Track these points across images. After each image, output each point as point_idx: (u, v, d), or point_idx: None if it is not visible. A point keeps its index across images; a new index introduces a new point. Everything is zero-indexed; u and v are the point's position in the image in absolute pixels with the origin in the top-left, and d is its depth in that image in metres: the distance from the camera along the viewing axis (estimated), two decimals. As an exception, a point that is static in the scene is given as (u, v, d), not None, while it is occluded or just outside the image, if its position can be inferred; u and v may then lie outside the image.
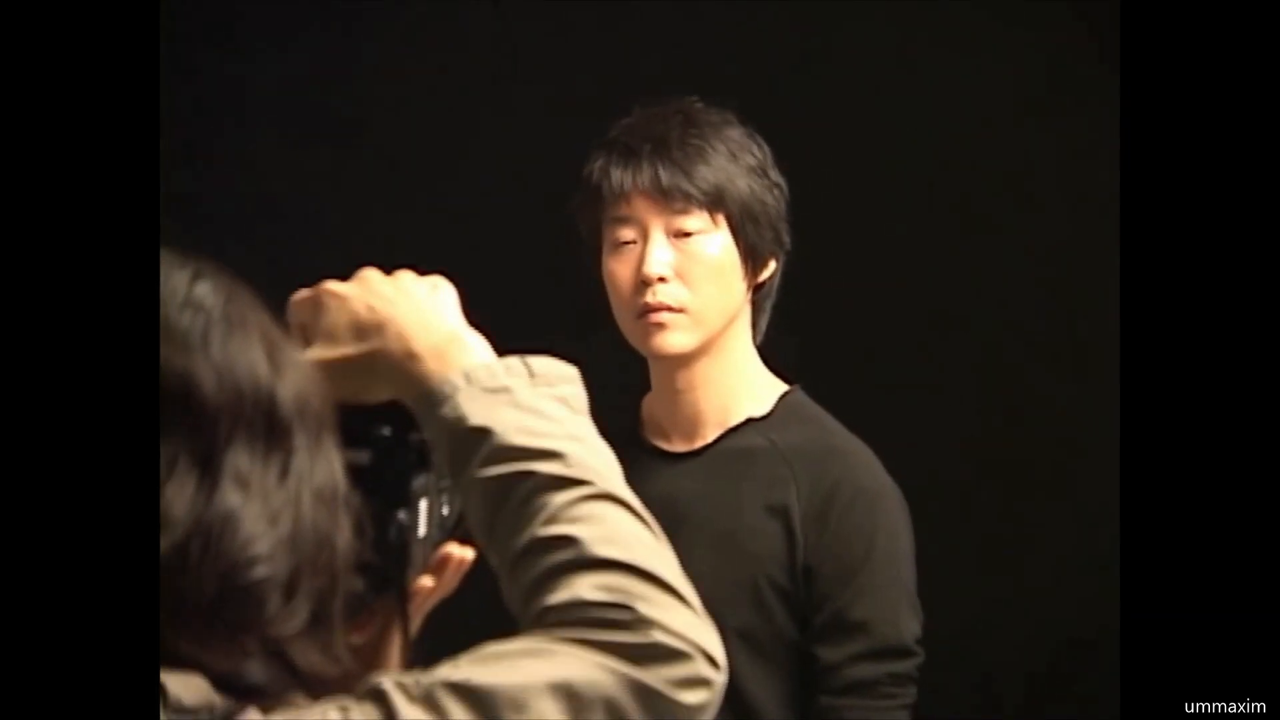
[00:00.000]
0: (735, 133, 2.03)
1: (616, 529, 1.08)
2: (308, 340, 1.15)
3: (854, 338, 3.40)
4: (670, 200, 1.95)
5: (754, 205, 2.00)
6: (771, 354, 2.19)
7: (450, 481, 1.16)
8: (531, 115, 3.53)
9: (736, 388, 2.05)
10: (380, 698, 0.98)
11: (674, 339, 1.99)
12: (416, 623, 1.19)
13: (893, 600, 2.06)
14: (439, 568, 1.22)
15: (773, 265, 2.08)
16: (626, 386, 2.15)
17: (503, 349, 1.21)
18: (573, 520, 1.08)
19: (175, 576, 0.95)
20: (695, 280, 1.97)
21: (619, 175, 1.96)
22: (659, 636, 1.03)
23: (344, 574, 1.03)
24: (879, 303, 3.49)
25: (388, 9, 3.73)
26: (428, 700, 0.98)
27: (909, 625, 2.08)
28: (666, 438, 2.10)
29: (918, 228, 3.55)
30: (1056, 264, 3.55)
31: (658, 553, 1.08)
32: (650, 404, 2.12)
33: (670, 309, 1.97)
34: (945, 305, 3.59)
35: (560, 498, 1.08)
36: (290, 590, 0.99)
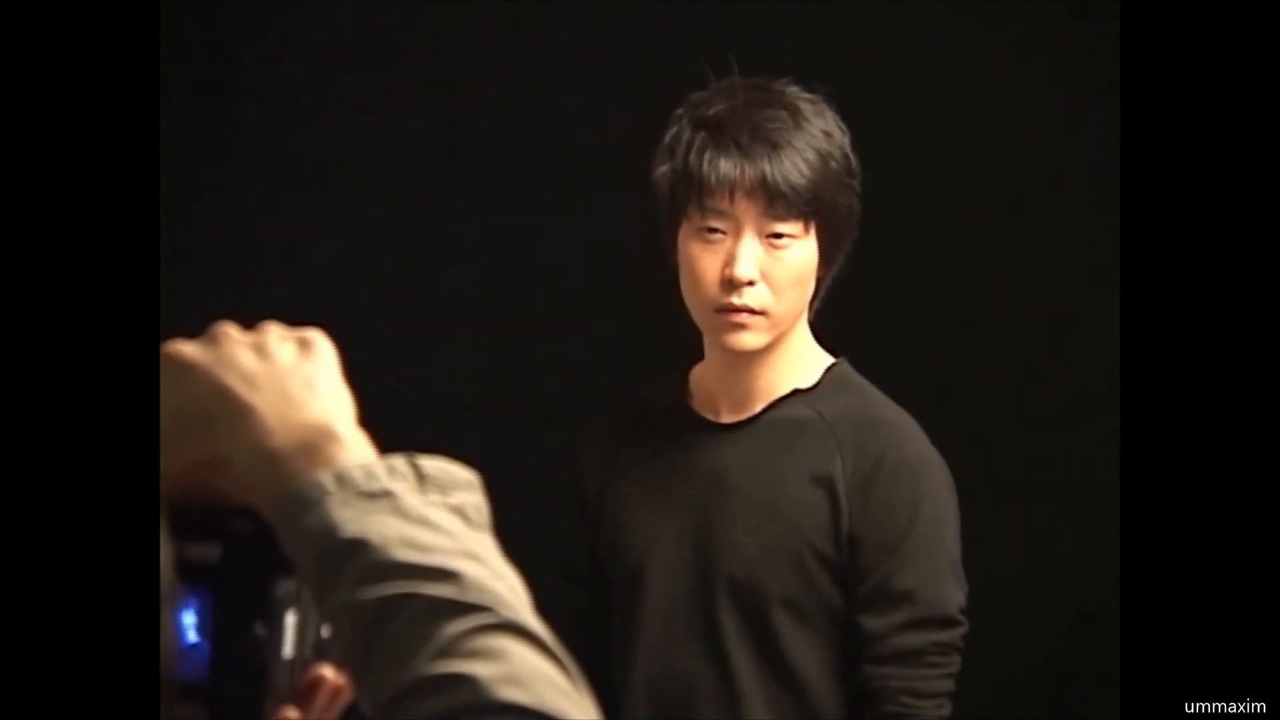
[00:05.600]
0: (828, 125, 2.06)
1: (522, 667, 0.86)
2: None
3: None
4: (773, 205, 1.99)
5: (841, 213, 2.06)
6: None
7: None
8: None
9: (789, 363, 2.11)
10: None
11: (751, 339, 2.04)
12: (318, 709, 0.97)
13: (937, 569, 2.09)
14: (307, 696, 0.96)
15: (840, 257, 2.16)
16: (668, 355, 2.22)
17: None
18: (468, 655, 0.86)
19: None
20: (779, 285, 2.02)
21: (726, 168, 1.97)
22: None
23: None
24: (878, 298, 3.50)
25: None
26: None
27: (953, 595, 2.11)
28: (715, 409, 2.14)
29: (921, 224, 3.56)
30: (1057, 262, 3.55)
31: (572, 698, 0.86)
32: (701, 375, 2.16)
33: (753, 311, 2.03)
34: (948, 298, 3.60)
35: (453, 627, 0.87)
36: None
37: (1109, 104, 2.38)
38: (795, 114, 2.05)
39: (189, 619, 0.92)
